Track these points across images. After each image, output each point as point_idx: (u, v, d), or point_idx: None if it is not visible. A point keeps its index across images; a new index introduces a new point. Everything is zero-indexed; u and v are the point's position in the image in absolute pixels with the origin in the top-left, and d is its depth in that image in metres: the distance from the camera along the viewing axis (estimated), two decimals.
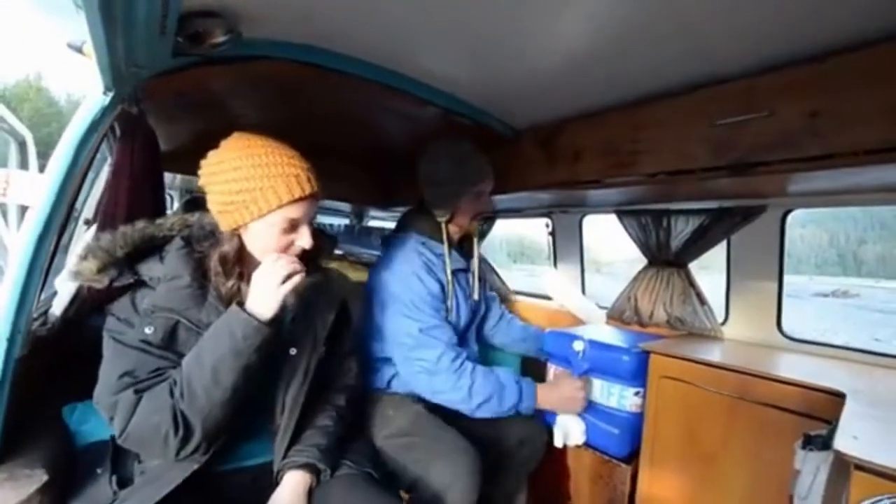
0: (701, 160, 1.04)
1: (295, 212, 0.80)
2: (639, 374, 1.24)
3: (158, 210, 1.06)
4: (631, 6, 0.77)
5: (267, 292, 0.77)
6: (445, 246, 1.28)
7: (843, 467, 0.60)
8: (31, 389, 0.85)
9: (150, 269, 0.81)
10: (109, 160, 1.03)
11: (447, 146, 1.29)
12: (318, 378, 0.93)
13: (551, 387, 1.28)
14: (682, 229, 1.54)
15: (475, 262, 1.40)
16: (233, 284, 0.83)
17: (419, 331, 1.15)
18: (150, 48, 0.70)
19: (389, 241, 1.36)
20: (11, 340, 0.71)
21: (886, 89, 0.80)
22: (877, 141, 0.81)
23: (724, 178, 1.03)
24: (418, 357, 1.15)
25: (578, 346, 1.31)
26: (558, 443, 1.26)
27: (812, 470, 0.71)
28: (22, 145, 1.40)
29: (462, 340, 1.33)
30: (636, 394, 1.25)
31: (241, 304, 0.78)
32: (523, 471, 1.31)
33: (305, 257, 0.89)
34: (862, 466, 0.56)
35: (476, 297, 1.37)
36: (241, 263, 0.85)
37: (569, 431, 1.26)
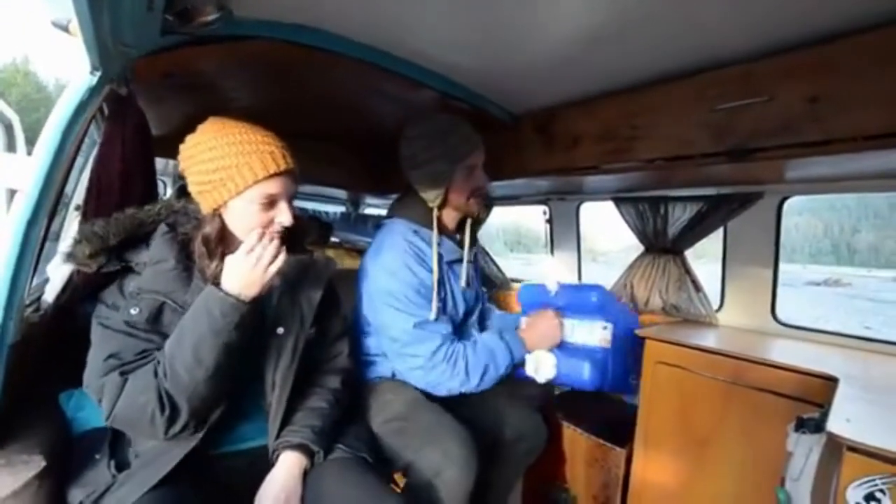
0: (700, 146, 1.03)
1: (272, 187, 0.81)
2: (606, 310, 1.28)
3: (150, 195, 1.04)
4: None
5: (247, 273, 0.77)
6: (434, 234, 1.19)
7: (836, 449, 0.61)
8: (27, 376, 0.84)
9: (136, 255, 0.82)
10: (98, 143, 1.01)
11: (424, 122, 1.19)
12: (308, 358, 0.94)
13: (529, 328, 1.27)
14: (679, 216, 1.55)
15: (468, 250, 1.31)
16: (216, 265, 0.83)
17: (413, 326, 1.10)
18: (137, 25, 0.68)
19: (379, 230, 1.29)
20: (3, 327, 0.70)
21: (887, 74, 0.80)
22: (877, 126, 0.81)
23: (723, 164, 1.02)
24: (412, 353, 1.11)
25: (552, 285, 1.36)
26: (529, 372, 1.27)
27: (804, 452, 0.73)
28: (9, 128, 1.37)
29: (462, 330, 1.31)
30: (604, 328, 1.27)
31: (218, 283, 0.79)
32: (522, 463, 1.31)
33: (290, 238, 0.90)
34: (854, 448, 0.57)
35: (468, 283, 1.31)
36: (224, 244, 0.86)
37: (540, 366, 1.25)
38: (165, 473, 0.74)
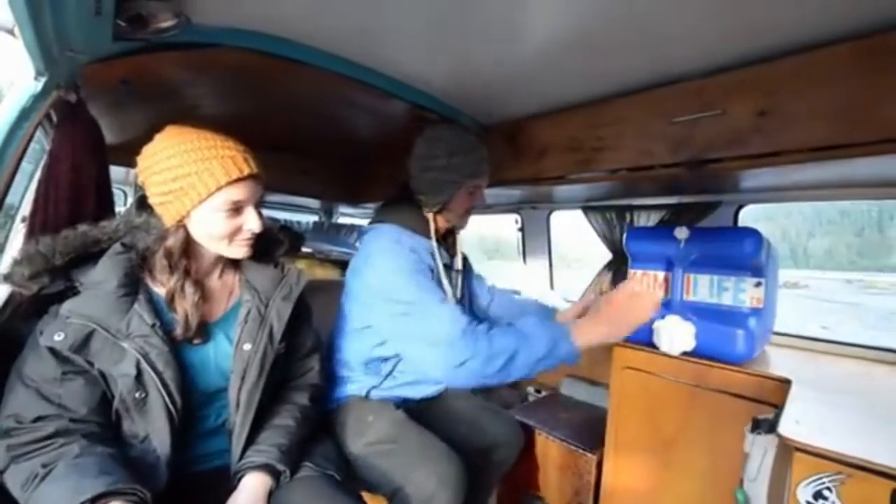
0: (659, 157, 1.07)
1: (236, 193, 0.79)
2: (760, 264, 1.04)
3: (104, 207, 0.99)
4: (592, 8, 0.79)
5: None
6: (434, 241, 1.15)
7: (787, 450, 0.64)
8: None
9: (83, 274, 0.77)
10: (47, 152, 0.96)
11: (453, 131, 1.17)
12: (276, 375, 0.91)
13: (603, 309, 0.98)
14: (644, 224, 1.59)
15: (458, 259, 1.30)
16: (177, 281, 0.80)
17: (424, 297, 1.00)
18: (85, 30, 0.65)
19: (365, 236, 1.21)
20: None
21: (828, 90, 0.85)
22: (819, 139, 0.86)
23: (681, 175, 1.06)
24: (425, 332, 0.98)
25: (681, 234, 1.11)
26: (663, 346, 1.09)
27: (760, 453, 0.75)
28: None
29: None
30: (757, 285, 1.03)
31: (171, 304, 0.79)
32: (498, 472, 1.29)
33: (259, 249, 0.87)
34: (802, 449, 0.59)
35: (459, 294, 1.27)
36: (188, 258, 0.83)
37: (675, 336, 1.07)
38: None
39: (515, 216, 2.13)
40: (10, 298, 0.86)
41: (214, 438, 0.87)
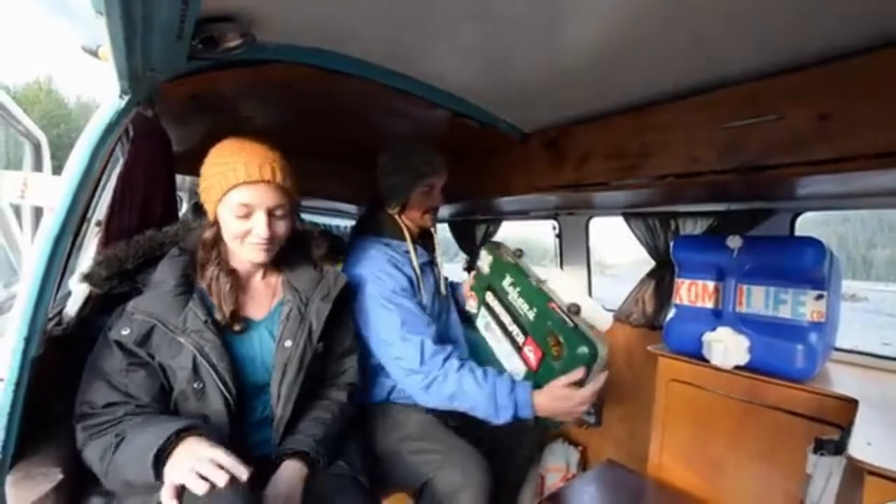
0: (709, 163, 1.04)
1: (245, 196, 0.84)
2: (821, 276, 0.99)
3: (170, 212, 1.08)
4: (637, 11, 0.78)
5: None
6: (409, 242, 1.28)
7: (856, 473, 0.60)
8: (46, 389, 0.86)
9: (146, 275, 0.86)
10: (122, 161, 1.05)
11: (401, 144, 1.32)
12: (315, 372, 0.96)
13: (550, 397, 1.03)
14: (690, 232, 1.54)
15: (438, 255, 1.39)
16: (213, 270, 0.88)
17: (400, 326, 1.10)
18: (166, 52, 0.71)
19: (352, 246, 1.30)
20: (28, 340, 0.72)
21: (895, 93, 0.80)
22: (886, 144, 0.81)
23: (733, 181, 1.02)
24: (398, 355, 1.10)
25: (734, 242, 1.08)
26: (715, 360, 1.07)
27: (824, 475, 0.71)
28: (37, 147, 1.42)
29: (445, 335, 1.32)
30: (818, 298, 0.98)
31: (209, 291, 0.87)
32: (526, 462, 1.31)
33: (299, 252, 0.96)
34: (876, 472, 0.56)
35: (443, 291, 1.36)
36: (217, 249, 0.90)
37: (728, 349, 1.05)
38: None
39: (553, 222, 2.10)
40: (91, 294, 0.94)
41: (261, 429, 0.92)
